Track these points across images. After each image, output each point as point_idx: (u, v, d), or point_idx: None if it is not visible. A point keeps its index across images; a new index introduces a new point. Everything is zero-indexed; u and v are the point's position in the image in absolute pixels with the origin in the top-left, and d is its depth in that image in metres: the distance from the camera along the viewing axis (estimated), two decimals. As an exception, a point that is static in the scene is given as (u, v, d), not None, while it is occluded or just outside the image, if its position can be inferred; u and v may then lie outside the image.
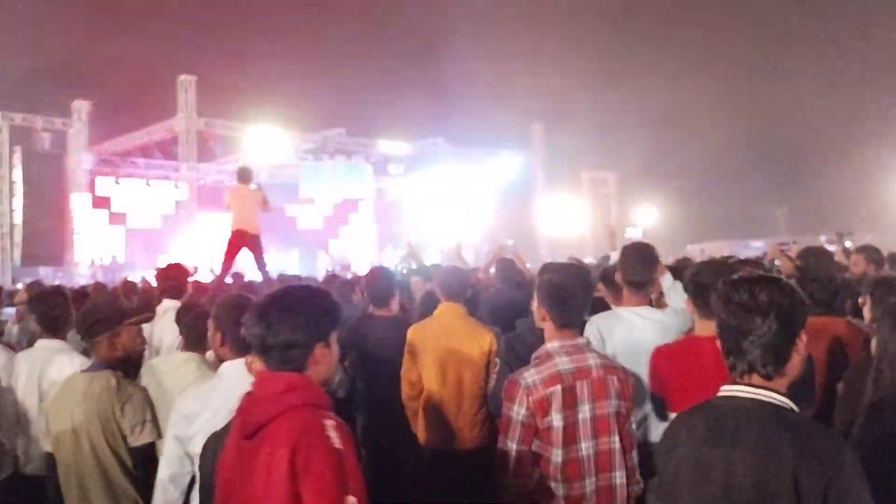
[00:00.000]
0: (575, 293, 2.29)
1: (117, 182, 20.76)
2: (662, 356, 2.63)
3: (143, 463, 2.63)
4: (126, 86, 26.33)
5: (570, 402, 2.19)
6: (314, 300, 1.78)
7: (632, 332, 2.87)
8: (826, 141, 31.43)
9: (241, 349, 2.30)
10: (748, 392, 1.55)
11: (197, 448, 2.20)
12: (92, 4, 28.52)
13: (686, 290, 2.68)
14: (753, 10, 35.10)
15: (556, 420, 2.17)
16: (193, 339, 3.03)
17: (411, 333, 3.60)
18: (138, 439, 2.64)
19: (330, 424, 1.63)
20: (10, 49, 22.95)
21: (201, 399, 2.28)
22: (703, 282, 2.50)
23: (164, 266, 5.08)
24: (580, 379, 2.21)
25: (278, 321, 1.68)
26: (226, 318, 2.41)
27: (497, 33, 33.75)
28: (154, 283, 6.62)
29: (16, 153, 17.91)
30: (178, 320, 3.14)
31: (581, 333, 2.39)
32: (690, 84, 31.76)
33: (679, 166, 32.49)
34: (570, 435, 2.19)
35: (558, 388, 2.17)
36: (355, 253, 23.49)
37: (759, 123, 34.20)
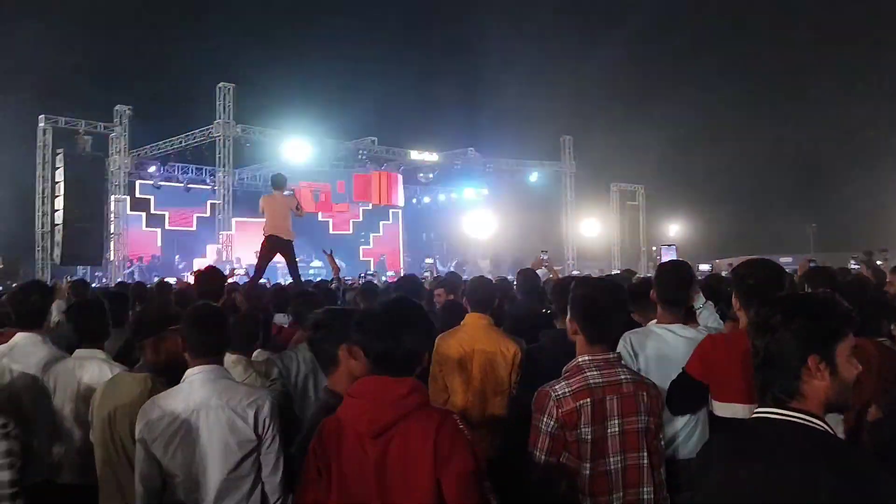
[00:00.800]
0: (608, 309, 2.31)
1: (156, 186, 21.29)
2: (713, 343, 2.64)
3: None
4: (166, 92, 27.09)
5: (599, 417, 2.19)
6: (422, 312, 2.01)
7: (664, 349, 2.86)
8: (856, 158, 30.76)
9: (200, 354, 2.43)
10: (780, 413, 1.55)
11: (159, 451, 2.32)
12: (135, 13, 29.38)
13: (738, 289, 2.67)
14: (783, 27, 34.62)
15: (585, 433, 2.17)
16: (238, 341, 3.07)
17: (438, 342, 3.63)
18: None
19: (458, 419, 1.86)
20: (55, 54, 23.75)
21: (163, 405, 2.37)
22: (756, 284, 2.57)
23: (201, 270, 5.23)
24: (610, 393, 2.21)
25: (403, 333, 1.90)
26: (190, 324, 2.48)
27: (529, 47, 33.83)
28: (190, 282, 6.80)
29: (58, 155, 18.43)
30: None
31: (613, 349, 2.39)
32: (720, 100, 31.39)
33: (708, 180, 32.10)
34: (599, 449, 2.19)
35: (588, 401, 2.18)
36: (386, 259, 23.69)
37: (789, 139, 33.67)
